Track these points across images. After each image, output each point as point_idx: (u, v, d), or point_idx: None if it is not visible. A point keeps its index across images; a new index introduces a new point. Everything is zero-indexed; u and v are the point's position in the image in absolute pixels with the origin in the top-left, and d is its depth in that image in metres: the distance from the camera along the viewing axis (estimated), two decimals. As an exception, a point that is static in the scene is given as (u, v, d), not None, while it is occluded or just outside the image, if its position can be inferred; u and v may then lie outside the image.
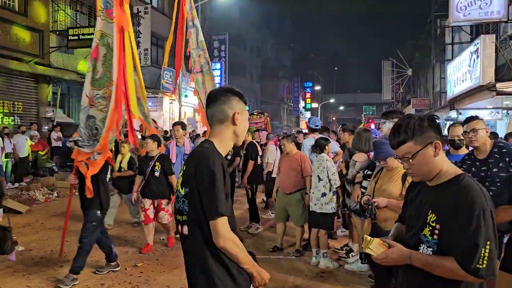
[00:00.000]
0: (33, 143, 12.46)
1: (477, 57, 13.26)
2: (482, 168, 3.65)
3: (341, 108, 71.09)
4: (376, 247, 2.00)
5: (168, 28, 26.38)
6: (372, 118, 53.32)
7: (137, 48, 20.23)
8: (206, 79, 7.08)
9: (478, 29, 16.50)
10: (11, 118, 13.73)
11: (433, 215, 1.84)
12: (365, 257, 5.30)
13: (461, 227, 1.74)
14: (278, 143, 8.80)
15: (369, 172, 4.66)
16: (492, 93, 12.28)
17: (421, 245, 1.89)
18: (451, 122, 19.83)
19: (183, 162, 6.14)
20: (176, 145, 6.89)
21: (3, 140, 10.85)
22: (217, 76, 27.96)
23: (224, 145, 2.11)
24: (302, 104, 55.25)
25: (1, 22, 12.93)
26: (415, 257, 1.87)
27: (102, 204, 4.89)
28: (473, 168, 3.72)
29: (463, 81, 15.39)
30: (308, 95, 55.73)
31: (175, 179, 5.99)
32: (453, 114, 17.95)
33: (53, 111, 15.44)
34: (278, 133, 20.15)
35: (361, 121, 39.41)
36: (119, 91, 5.01)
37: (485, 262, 1.70)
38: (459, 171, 1.90)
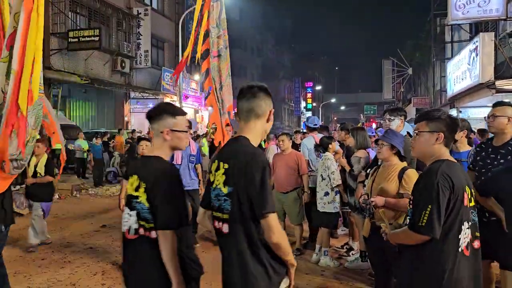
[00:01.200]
0: (34, 146, 12.47)
1: (477, 55, 13.27)
2: (491, 156, 3.56)
3: (342, 108, 71.15)
4: (383, 215, 2.67)
5: (168, 30, 26.39)
6: (374, 117, 53.36)
7: (138, 50, 20.44)
8: (222, 66, 6.20)
9: (477, 27, 16.50)
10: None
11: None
12: (365, 255, 5.36)
13: (415, 195, 2.22)
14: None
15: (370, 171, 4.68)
16: (491, 91, 12.29)
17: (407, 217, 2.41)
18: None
19: (189, 164, 6.08)
20: None
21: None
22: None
23: (256, 141, 2.13)
24: (303, 104, 55.26)
25: (1, 25, 12.98)
26: (395, 233, 2.38)
27: (6, 217, 4.21)
28: (483, 153, 3.64)
29: (462, 79, 15.39)
30: (309, 95, 55.71)
31: None
32: (453, 112, 17.94)
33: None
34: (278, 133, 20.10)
35: (359, 120, 39.42)
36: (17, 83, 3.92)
37: (424, 220, 2.10)
38: (444, 157, 2.25)
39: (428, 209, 2.09)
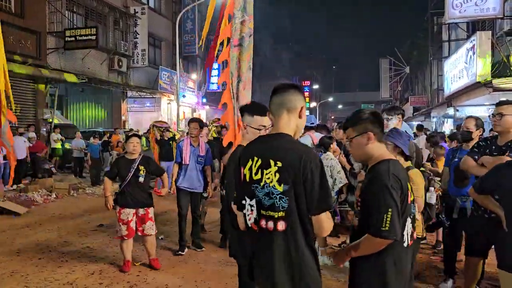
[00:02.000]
0: (31, 145, 12.47)
1: (474, 53, 13.30)
2: (494, 154, 3.58)
3: (340, 106, 71.13)
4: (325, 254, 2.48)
5: (165, 28, 26.40)
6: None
7: (135, 49, 20.40)
8: (242, 58, 5.51)
9: (474, 26, 16.53)
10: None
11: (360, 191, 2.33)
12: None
13: (370, 199, 2.17)
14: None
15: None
16: (488, 89, 12.31)
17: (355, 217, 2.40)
18: (448, 119, 19.78)
19: (197, 165, 5.85)
20: (191, 144, 5.95)
21: (1, 142, 10.84)
22: (215, 76, 27.99)
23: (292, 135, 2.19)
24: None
25: (-3, 24, 12.94)
26: (352, 252, 2.24)
27: None
28: (487, 150, 3.65)
29: (460, 78, 15.42)
30: (306, 94, 55.70)
31: (167, 178, 5.61)
32: (451, 111, 18.00)
33: (51, 112, 15.45)
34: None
35: None
36: None
37: (387, 225, 2.09)
38: (387, 157, 2.27)
39: (389, 212, 2.08)
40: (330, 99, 63.69)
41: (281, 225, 2.03)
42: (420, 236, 3.62)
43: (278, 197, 2.02)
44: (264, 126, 2.85)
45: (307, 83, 55.80)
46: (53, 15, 15.87)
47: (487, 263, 4.41)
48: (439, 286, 4.54)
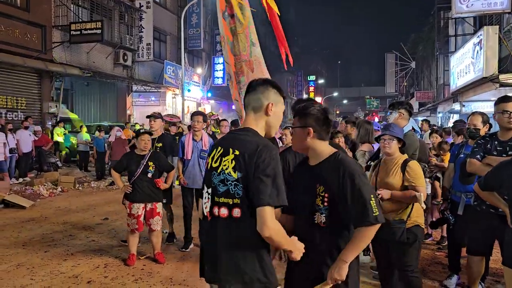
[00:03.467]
0: (37, 139, 12.53)
1: (480, 48, 13.19)
2: (498, 148, 3.57)
3: (345, 101, 70.97)
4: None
5: (170, 23, 26.40)
6: (376, 111, 53.22)
7: (140, 43, 20.41)
8: (238, 31, 4.98)
9: (481, 21, 16.37)
10: (15, 113, 13.80)
11: (321, 187, 2.26)
12: (367, 249, 5.35)
13: (351, 192, 2.16)
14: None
15: (372, 164, 4.68)
16: (495, 84, 12.22)
17: (315, 213, 2.28)
18: (454, 115, 19.69)
19: (200, 160, 5.69)
20: (193, 139, 5.80)
21: (6, 135, 10.91)
22: (220, 70, 27.94)
23: (261, 134, 2.20)
24: (305, 97, 55.16)
25: (3, 18, 12.96)
26: (347, 257, 2.18)
27: None
28: (488, 146, 3.64)
29: (466, 73, 15.31)
30: (311, 88, 55.59)
31: (174, 175, 5.66)
32: (457, 106, 17.90)
33: (56, 106, 15.51)
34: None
35: (357, 114, 39.26)
36: None
37: (376, 209, 2.15)
38: (334, 150, 2.34)
39: (373, 199, 2.15)
40: (335, 94, 63.52)
41: (236, 212, 2.01)
42: (423, 226, 3.62)
43: (233, 184, 2.01)
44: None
45: (313, 77, 55.63)
46: (58, 8, 15.88)
47: (492, 259, 4.40)
48: (443, 282, 4.53)
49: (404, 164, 3.48)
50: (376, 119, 29.87)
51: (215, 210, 2.08)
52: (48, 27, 15.00)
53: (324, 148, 2.34)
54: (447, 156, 5.76)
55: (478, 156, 3.68)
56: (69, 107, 19.82)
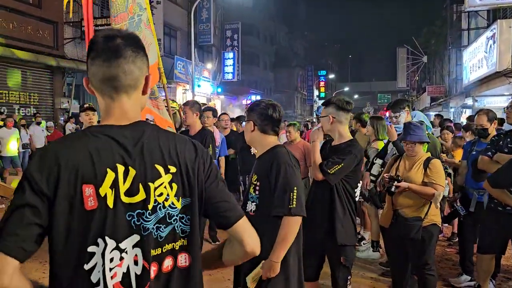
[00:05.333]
0: (49, 134, 12.67)
1: (494, 42, 13.00)
2: (509, 146, 3.57)
3: (356, 96, 70.56)
4: (254, 282, 2.34)
5: (181, 18, 26.36)
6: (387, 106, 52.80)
7: (150, 39, 20.49)
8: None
9: (495, 14, 16.12)
10: (28, 109, 13.97)
11: (255, 176, 2.43)
12: (377, 245, 5.34)
13: (274, 182, 2.29)
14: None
15: (378, 159, 4.65)
16: (508, 79, 12.05)
17: (247, 202, 2.42)
18: (466, 110, 19.48)
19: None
20: None
21: (19, 131, 11.06)
22: (230, 65, 27.93)
23: None
24: (316, 93, 54.91)
25: (16, 15, 13.09)
26: (276, 256, 2.28)
27: None
28: (500, 143, 3.63)
29: (479, 67, 15.12)
30: (322, 83, 55.31)
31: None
32: (469, 101, 17.69)
33: (68, 102, 15.65)
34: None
35: (367, 110, 38.93)
36: None
37: (294, 202, 2.24)
38: (277, 143, 2.51)
39: (295, 191, 2.28)
40: (346, 88, 63.17)
41: (183, 260, 1.34)
42: (440, 225, 3.60)
43: (178, 218, 1.32)
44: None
45: (323, 72, 55.35)
46: (69, 5, 15.98)
47: (503, 256, 4.36)
48: (451, 280, 4.48)
49: (427, 161, 3.50)
50: (387, 114, 29.71)
51: (153, 269, 1.27)
52: (59, 24, 15.11)
53: (267, 142, 2.50)
54: (458, 151, 5.71)
55: (490, 153, 3.65)
56: (81, 102, 19.99)
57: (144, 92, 1.35)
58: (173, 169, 1.30)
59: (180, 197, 1.31)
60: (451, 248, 5.61)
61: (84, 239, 1.18)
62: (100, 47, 1.26)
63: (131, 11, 4.20)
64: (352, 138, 3.21)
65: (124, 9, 4.17)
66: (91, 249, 1.19)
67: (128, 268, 1.22)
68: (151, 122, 6.99)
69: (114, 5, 4.13)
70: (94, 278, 1.20)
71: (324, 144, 3.44)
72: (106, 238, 1.19)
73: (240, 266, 2.40)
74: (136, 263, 1.23)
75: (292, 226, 2.29)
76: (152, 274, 1.26)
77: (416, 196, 3.46)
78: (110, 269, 1.20)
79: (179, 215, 1.32)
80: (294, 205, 2.24)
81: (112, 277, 1.20)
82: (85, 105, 4.82)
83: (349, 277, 3.08)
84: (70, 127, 14.60)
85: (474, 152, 4.26)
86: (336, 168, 2.94)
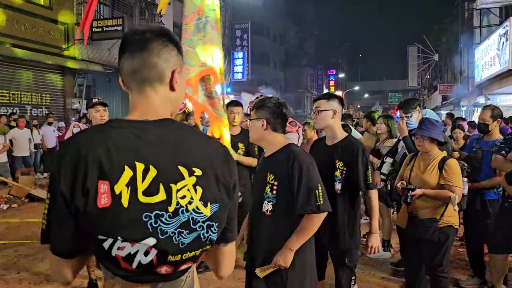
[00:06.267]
0: (60, 134, 12.79)
1: (506, 40, 12.84)
2: None
3: (366, 95, 70.19)
4: (265, 272, 2.37)
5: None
6: (398, 106, 52.47)
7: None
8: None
9: (507, 11, 15.91)
10: (39, 109, 14.11)
11: (271, 175, 2.37)
12: (388, 245, 5.29)
13: (297, 181, 2.26)
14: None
15: (388, 158, 4.61)
16: (522, 77, 11.88)
17: (263, 202, 2.39)
18: (478, 108, 19.31)
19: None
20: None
21: (31, 131, 11.18)
22: (240, 65, 27.95)
23: None
24: (326, 92, 54.76)
25: (28, 16, 13.23)
26: (293, 244, 2.30)
27: None
28: None
29: (491, 65, 14.94)
30: (332, 83, 55.09)
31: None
32: (481, 99, 17.49)
33: (79, 102, 15.79)
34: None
35: (376, 109, 38.66)
36: None
37: (321, 199, 2.26)
38: (288, 141, 2.46)
39: (319, 188, 2.30)
40: (356, 87, 62.86)
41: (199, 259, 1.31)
42: (456, 227, 3.52)
43: (205, 226, 1.22)
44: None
45: (333, 71, 55.13)
46: (80, 6, 16.10)
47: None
48: (460, 283, 4.42)
49: (442, 162, 3.37)
50: (398, 113, 29.48)
51: (164, 268, 1.21)
52: (70, 25, 15.24)
53: (278, 140, 2.47)
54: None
55: (504, 152, 3.60)
56: (92, 103, 20.12)
57: (171, 87, 1.28)
58: (198, 171, 1.21)
59: (209, 203, 1.22)
60: (464, 248, 5.54)
61: (98, 235, 1.13)
62: (128, 42, 1.25)
63: (199, 12, 4.11)
64: (347, 134, 3.14)
65: (193, 9, 4.12)
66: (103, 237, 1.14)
67: (136, 252, 1.15)
68: (206, 120, 6.68)
69: (187, 4, 4.15)
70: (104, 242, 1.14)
71: (316, 142, 3.40)
72: (118, 238, 1.12)
73: (253, 265, 2.40)
74: (146, 254, 1.16)
75: (317, 222, 2.32)
76: (163, 272, 1.21)
77: (433, 198, 3.38)
78: (122, 241, 1.13)
79: (207, 222, 1.22)
80: (321, 202, 2.27)
81: (119, 248, 1.13)
82: (94, 100, 4.33)
83: (353, 278, 3.04)
84: (81, 127, 14.72)
85: (474, 149, 4.26)
86: (370, 176, 2.95)
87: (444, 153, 3.50)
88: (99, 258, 1.20)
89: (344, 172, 2.94)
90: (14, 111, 12.50)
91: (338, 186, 2.95)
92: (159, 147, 1.19)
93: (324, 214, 2.33)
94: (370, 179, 2.93)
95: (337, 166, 2.95)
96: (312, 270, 2.45)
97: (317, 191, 2.27)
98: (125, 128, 1.19)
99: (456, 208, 3.29)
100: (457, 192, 3.26)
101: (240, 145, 4.79)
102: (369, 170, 2.93)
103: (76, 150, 1.13)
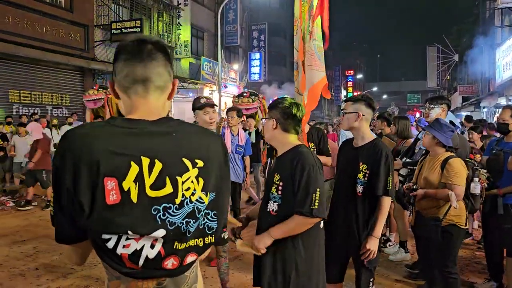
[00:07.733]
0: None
1: (528, 40, 12.57)
2: None
3: (384, 96, 69.55)
4: (242, 247, 2.47)
5: (208, 19, 26.59)
6: (417, 106, 51.83)
7: (178, 40, 20.76)
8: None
9: (530, 11, 15.60)
10: (60, 110, 14.38)
11: (278, 175, 2.38)
12: (405, 246, 5.25)
13: (297, 182, 2.26)
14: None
15: (408, 160, 4.58)
16: (544, 78, 11.63)
17: (269, 202, 2.41)
18: (499, 110, 18.99)
19: (236, 154, 5.78)
20: (231, 133, 5.91)
21: (51, 131, 11.39)
22: (257, 66, 27.98)
23: None
24: (343, 93, 54.40)
25: (49, 19, 13.50)
26: (274, 233, 2.31)
27: None
28: None
29: (512, 66, 14.66)
30: (349, 84, 54.76)
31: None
32: (503, 100, 17.18)
33: (98, 103, 16.04)
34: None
35: (392, 111, 38.08)
36: None
37: (316, 203, 2.22)
38: (298, 142, 2.45)
39: (317, 193, 2.26)
40: (375, 88, 62.34)
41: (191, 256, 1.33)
42: (464, 227, 3.48)
43: (204, 213, 1.31)
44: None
45: (350, 72, 54.76)
46: (100, 8, 16.37)
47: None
48: (475, 285, 4.35)
49: (445, 161, 3.40)
50: (418, 115, 29.05)
51: (171, 260, 1.27)
52: (90, 27, 15.49)
53: (288, 141, 2.45)
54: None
55: None
56: (111, 103, 20.42)
57: (170, 97, 1.39)
58: (200, 163, 1.29)
59: (208, 192, 1.31)
60: (481, 252, 5.45)
61: (103, 234, 1.17)
62: (135, 50, 1.29)
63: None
64: (375, 137, 3.12)
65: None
66: (108, 236, 1.18)
67: (142, 247, 1.20)
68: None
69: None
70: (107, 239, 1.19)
71: (343, 145, 3.38)
72: (129, 232, 1.16)
73: (260, 264, 2.42)
74: (152, 246, 1.21)
75: (305, 226, 2.30)
76: (170, 266, 1.25)
77: (435, 198, 3.42)
78: (127, 238, 1.18)
79: (205, 210, 1.30)
80: (316, 207, 2.22)
81: (124, 246, 1.18)
82: (202, 100, 4.00)
83: (371, 279, 3.04)
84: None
85: (494, 151, 4.16)
86: (390, 182, 2.87)
87: (449, 153, 3.48)
88: (103, 259, 1.24)
89: (367, 175, 2.89)
90: (36, 111, 12.76)
91: (359, 188, 2.91)
92: (162, 141, 1.24)
93: (315, 220, 2.29)
94: (390, 185, 2.85)
95: (360, 169, 2.91)
96: (318, 275, 2.41)
97: (314, 194, 2.24)
98: (127, 125, 1.23)
99: (456, 206, 3.25)
100: (456, 191, 3.26)
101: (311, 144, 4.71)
102: (390, 176, 2.86)
103: (79, 144, 1.16)
